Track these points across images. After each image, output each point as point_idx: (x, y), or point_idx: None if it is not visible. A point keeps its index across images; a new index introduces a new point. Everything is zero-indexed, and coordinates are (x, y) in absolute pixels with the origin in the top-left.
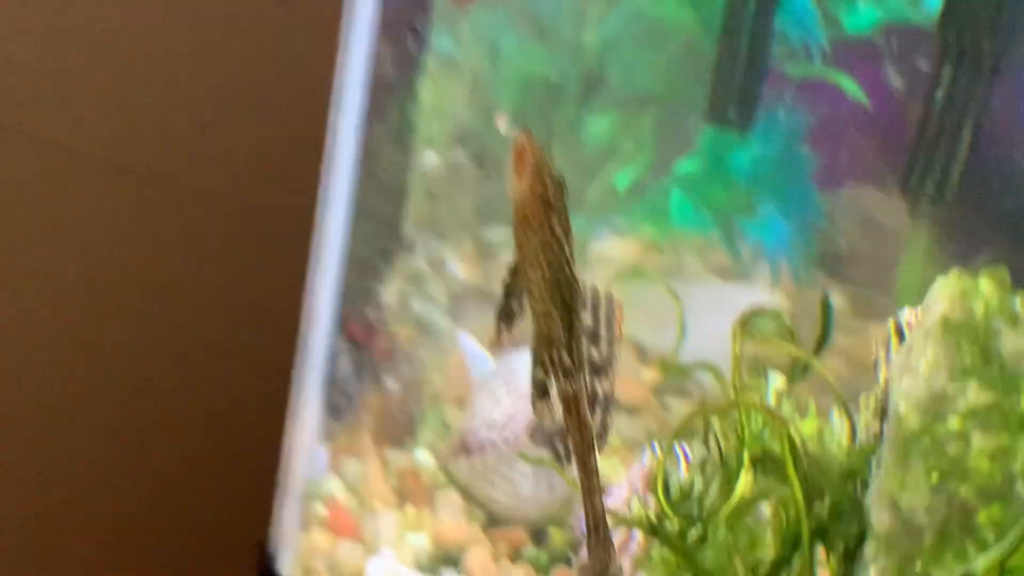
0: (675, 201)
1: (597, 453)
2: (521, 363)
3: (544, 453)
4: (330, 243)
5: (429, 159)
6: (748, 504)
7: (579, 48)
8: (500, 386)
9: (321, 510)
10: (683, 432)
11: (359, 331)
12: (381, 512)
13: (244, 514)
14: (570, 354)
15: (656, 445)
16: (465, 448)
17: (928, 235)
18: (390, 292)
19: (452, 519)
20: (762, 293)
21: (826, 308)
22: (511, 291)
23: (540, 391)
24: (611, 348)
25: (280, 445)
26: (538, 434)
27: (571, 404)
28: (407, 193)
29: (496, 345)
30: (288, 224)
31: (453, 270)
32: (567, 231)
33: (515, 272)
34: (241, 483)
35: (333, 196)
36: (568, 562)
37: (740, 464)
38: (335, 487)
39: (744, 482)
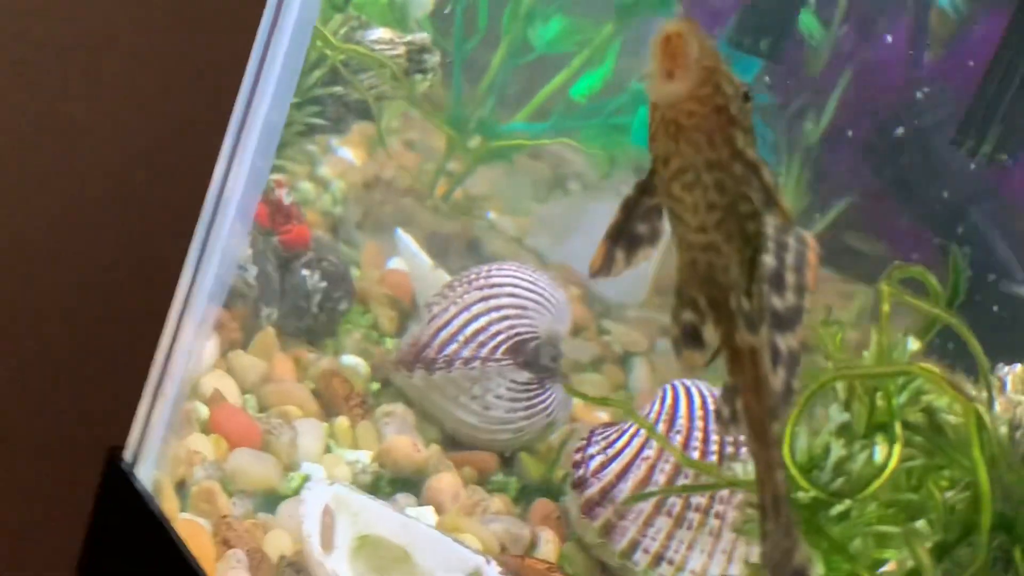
0: (639, 119)
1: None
2: (505, 276)
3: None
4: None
5: None
6: (900, 480)
7: None
8: (475, 297)
9: (204, 412)
10: (812, 398)
11: (270, 217)
12: (299, 421)
13: (98, 414)
14: (749, 299)
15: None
16: (422, 360)
17: None
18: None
19: (399, 436)
20: None
21: (956, 264)
22: (635, 209)
23: (689, 337)
24: (800, 298)
25: (159, 340)
26: (521, 352)
27: (748, 360)
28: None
29: (602, 271)
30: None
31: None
32: (754, 154)
33: (646, 189)
34: (102, 380)
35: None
36: (553, 496)
37: (893, 436)
38: (229, 388)
39: (896, 455)
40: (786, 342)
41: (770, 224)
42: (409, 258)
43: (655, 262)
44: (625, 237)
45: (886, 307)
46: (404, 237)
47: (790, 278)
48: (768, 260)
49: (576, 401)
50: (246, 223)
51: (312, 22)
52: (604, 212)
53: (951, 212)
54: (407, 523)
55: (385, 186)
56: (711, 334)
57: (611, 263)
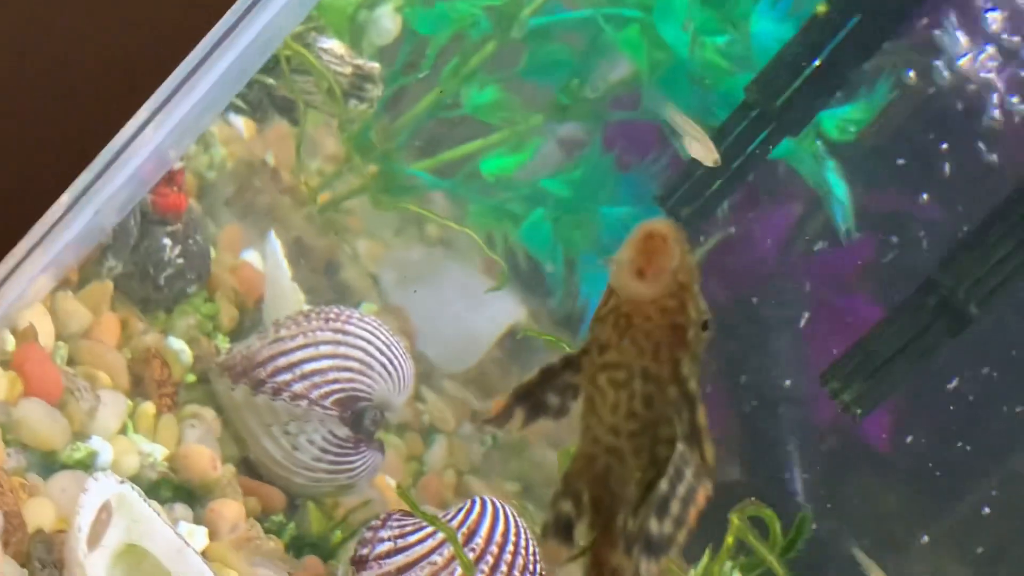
0: (534, 218)
1: None
2: (364, 328)
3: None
4: None
5: None
6: None
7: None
8: (327, 337)
9: (9, 344)
10: None
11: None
12: (105, 391)
13: None
14: (635, 520)
15: None
16: (251, 377)
17: None
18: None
19: (200, 445)
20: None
21: (802, 524)
22: (553, 379)
23: (561, 529)
24: (676, 530)
25: None
26: (349, 408)
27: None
28: None
29: (494, 423)
30: None
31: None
32: (696, 387)
33: (571, 364)
34: None
35: None
36: (323, 556)
37: None
38: (45, 329)
39: None
40: (648, 570)
41: (679, 451)
42: (272, 265)
43: (495, 337)
44: (531, 401)
45: (730, 539)
46: (274, 242)
47: (675, 507)
48: (663, 485)
49: (382, 476)
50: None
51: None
52: (454, 273)
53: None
54: (184, 552)
55: (269, 174)
56: (582, 531)
57: (507, 419)
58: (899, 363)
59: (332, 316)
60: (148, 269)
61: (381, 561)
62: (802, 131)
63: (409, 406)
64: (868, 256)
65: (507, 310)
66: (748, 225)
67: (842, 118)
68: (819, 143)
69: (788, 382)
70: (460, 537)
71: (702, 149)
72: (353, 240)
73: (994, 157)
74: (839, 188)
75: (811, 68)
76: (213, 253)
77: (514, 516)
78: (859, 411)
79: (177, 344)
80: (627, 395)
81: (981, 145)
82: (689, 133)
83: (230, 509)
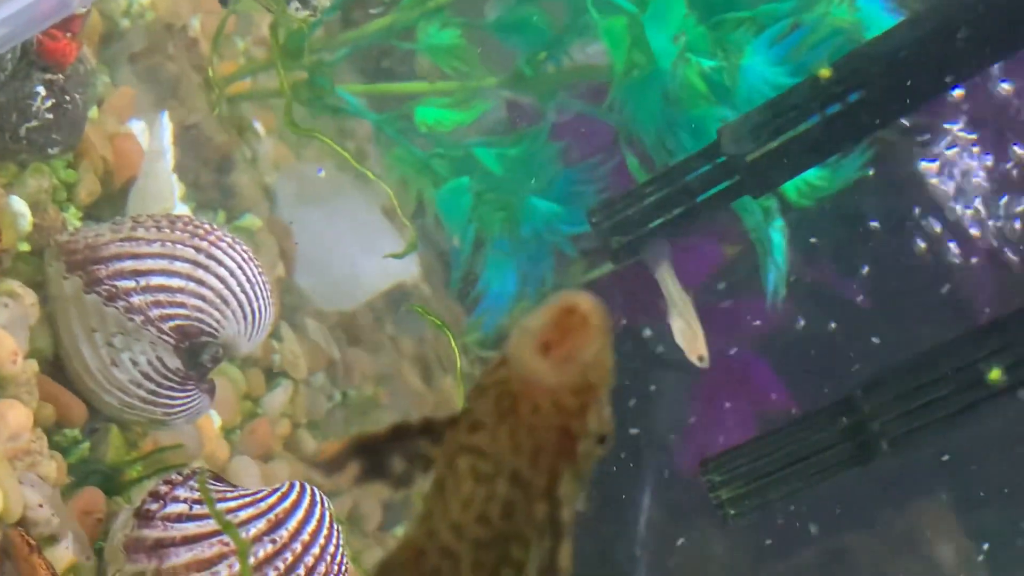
0: (455, 186)
1: None
2: (232, 257)
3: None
4: None
5: None
6: None
7: None
8: (187, 254)
9: None
10: None
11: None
12: None
13: None
14: None
15: None
16: (88, 272)
17: None
18: None
19: (5, 336)
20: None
21: None
22: (405, 443)
23: None
24: None
25: None
26: (188, 338)
27: None
28: None
29: (321, 468)
30: None
31: None
32: (570, 516)
33: (431, 431)
34: None
35: None
36: (108, 492)
37: None
38: None
39: None
40: None
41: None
42: (156, 146)
43: (380, 288)
44: (372, 458)
45: None
46: (166, 125)
47: None
48: None
49: (209, 432)
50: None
51: None
52: (357, 206)
53: None
54: None
55: (186, 43)
56: None
57: (336, 468)
58: (792, 476)
59: (202, 232)
60: (11, 115)
61: (169, 524)
62: (764, 195)
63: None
64: (782, 324)
65: (401, 265)
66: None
67: (805, 180)
68: (774, 199)
69: (669, 435)
70: (265, 524)
71: (689, 338)
72: (256, 141)
73: (948, 286)
74: (779, 251)
75: (793, 133)
76: (95, 113)
77: (331, 516)
78: (732, 512)
79: (19, 205)
80: (486, 493)
81: (944, 263)
82: (680, 310)
83: (16, 413)
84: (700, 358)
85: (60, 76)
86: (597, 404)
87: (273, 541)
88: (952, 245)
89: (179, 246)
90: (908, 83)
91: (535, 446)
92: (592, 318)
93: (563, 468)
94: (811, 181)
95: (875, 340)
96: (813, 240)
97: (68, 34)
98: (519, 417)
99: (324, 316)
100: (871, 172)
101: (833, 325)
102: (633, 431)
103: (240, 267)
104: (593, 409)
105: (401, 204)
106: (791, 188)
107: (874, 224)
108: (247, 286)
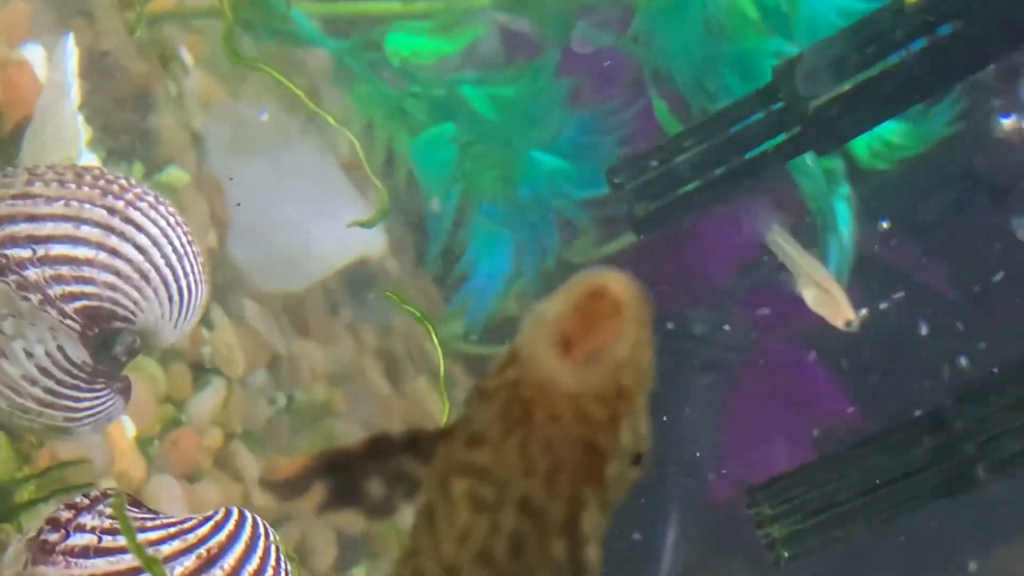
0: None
1: None
2: (154, 221)
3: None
4: None
5: None
6: None
7: None
8: (98, 216)
9: None
10: None
11: None
12: None
13: None
14: None
15: None
16: None
17: None
18: None
19: None
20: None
21: None
22: (382, 459)
23: None
24: None
25: None
26: (98, 324)
27: None
28: None
29: (272, 489)
30: None
31: None
32: (596, 557)
33: (418, 446)
34: None
35: None
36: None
37: None
38: None
39: None
40: None
41: None
42: (58, 79)
43: (338, 264)
44: (343, 479)
45: None
46: (71, 51)
47: None
48: None
49: (121, 444)
50: None
51: None
52: (307, 160)
53: None
54: None
55: None
56: None
57: (297, 491)
58: (861, 511)
59: (116, 189)
60: None
61: (72, 559)
62: (829, 152)
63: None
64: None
65: (364, 235)
66: (706, 225)
67: (879, 138)
68: (840, 160)
69: (697, 453)
70: (195, 561)
71: (828, 303)
72: (183, 74)
73: None
74: (845, 224)
75: (869, 74)
76: None
77: (278, 552)
78: (786, 554)
79: None
80: (488, 526)
81: None
82: (807, 274)
83: None
84: (848, 323)
85: None
86: (632, 414)
87: None
88: None
89: (87, 206)
90: (1016, 13)
91: (552, 466)
92: (627, 304)
93: (588, 495)
94: (888, 138)
95: (967, 339)
96: (887, 212)
97: None
98: (532, 429)
99: (266, 298)
100: (964, 128)
101: (912, 319)
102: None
103: (164, 234)
104: (626, 421)
105: (366, 157)
106: (862, 146)
107: (967, 193)
108: (173, 259)
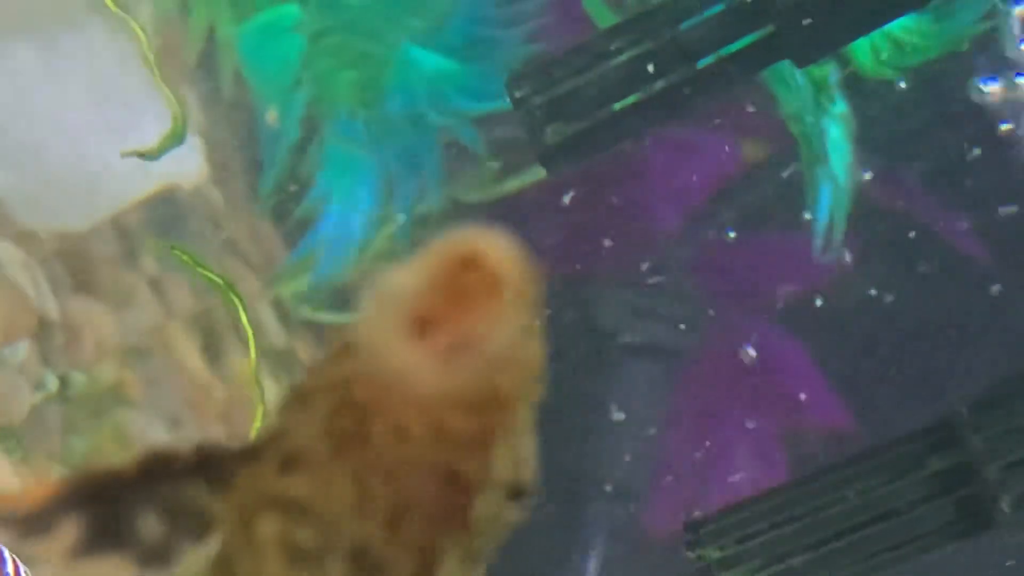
0: (272, 22)
1: None
2: None
3: None
4: None
5: None
6: None
7: None
8: None
9: None
10: None
11: None
12: None
13: None
14: None
15: None
16: None
17: None
18: None
19: None
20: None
21: None
22: (162, 484)
23: None
24: None
25: None
26: None
27: None
28: None
29: (12, 527)
30: None
31: None
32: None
33: (216, 468)
34: None
35: None
36: None
37: None
38: None
39: None
40: None
41: None
42: None
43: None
44: (106, 514)
45: None
46: None
47: None
48: None
49: None
50: None
51: None
52: (94, 46)
53: None
54: None
55: None
56: None
57: (43, 526)
58: (847, 553)
59: None
60: None
61: None
62: (816, 61)
63: None
64: (838, 284)
65: (173, 157)
66: (649, 165)
67: (888, 37)
68: (833, 67)
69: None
70: None
71: None
72: None
73: None
74: (839, 156)
75: None
76: None
77: None
78: None
79: None
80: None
81: None
82: None
83: None
84: None
85: None
86: (510, 430)
87: None
88: None
89: None
90: None
91: (397, 503)
92: (507, 276)
93: (446, 544)
94: (898, 36)
95: (997, 319)
96: (895, 140)
97: None
98: (370, 449)
99: (33, 240)
100: (997, 25)
101: (926, 292)
102: (571, 468)
103: None
104: (502, 439)
105: (172, 48)
106: (863, 49)
107: (1004, 121)
108: None
